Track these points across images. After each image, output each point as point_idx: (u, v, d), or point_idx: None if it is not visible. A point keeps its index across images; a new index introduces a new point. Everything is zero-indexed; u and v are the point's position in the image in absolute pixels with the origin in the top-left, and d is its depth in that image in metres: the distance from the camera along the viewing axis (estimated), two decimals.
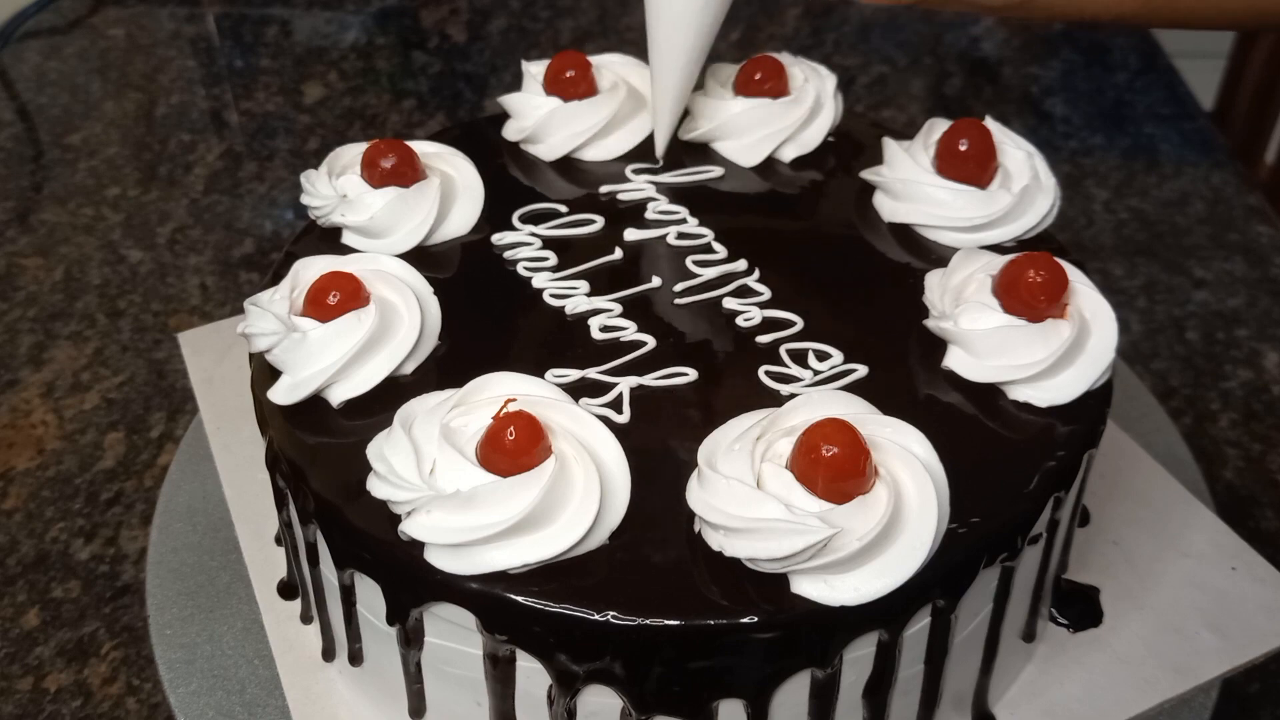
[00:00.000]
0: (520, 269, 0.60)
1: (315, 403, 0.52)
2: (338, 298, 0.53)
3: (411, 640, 0.49)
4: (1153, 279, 0.90)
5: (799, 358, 0.55)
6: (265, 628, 0.58)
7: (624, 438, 0.48)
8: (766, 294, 0.58)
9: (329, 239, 0.61)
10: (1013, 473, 0.50)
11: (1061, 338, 0.52)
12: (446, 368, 0.54)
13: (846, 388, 0.53)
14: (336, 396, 0.52)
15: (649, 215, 0.64)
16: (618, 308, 0.58)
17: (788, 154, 0.67)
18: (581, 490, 0.46)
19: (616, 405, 0.52)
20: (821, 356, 0.55)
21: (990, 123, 0.62)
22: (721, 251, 0.61)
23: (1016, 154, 0.61)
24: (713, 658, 0.45)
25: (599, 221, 0.63)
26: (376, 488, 0.47)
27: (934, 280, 0.57)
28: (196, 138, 1.07)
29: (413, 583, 0.47)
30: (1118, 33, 1.13)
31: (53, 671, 0.64)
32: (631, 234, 0.62)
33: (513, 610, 0.45)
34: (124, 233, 0.96)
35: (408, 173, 0.60)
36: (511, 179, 0.67)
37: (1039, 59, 1.15)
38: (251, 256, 0.93)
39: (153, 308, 0.89)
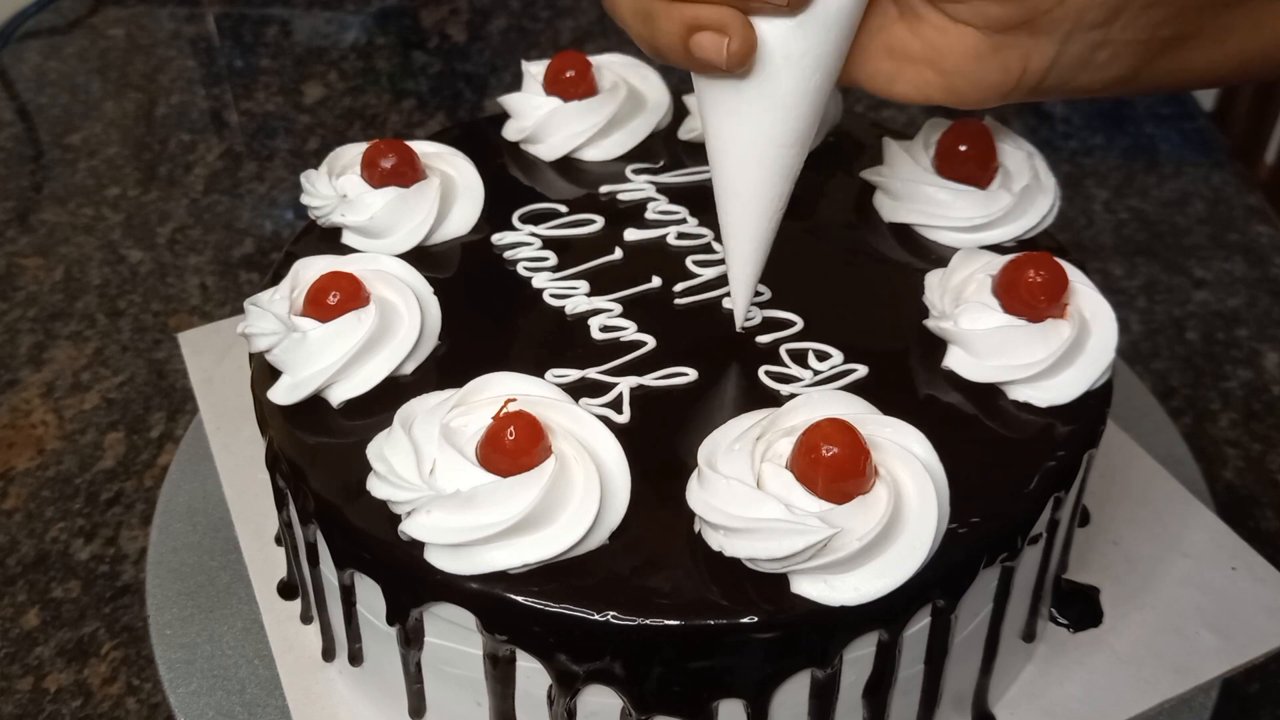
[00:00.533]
0: (520, 269, 0.60)
1: (315, 403, 0.52)
2: (338, 298, 0.53)
3: (411, 640, 0.49)
4: (1153, 279, 0.90)
5: (799, 358, 0.55)
6: (265, 628, 0.58)
7: (624, 438, 0.48)
8: (766, 294, 0.58)
9: (329, 239, 0.61)
10: (1013, 473, 0.50)
11: (1061, 338, 0.52)
12: (446, 368, 0.54)
13: (846, 388, 0.53)
14: (336, 396, 0.52)
15: (649, 215, 0.64)
16: (618, 308, 0.58)
17: None
18: (581, 490, 0.46)
19: (616, 405, 0.52)
20: (821, 356, 0.55)
21: (990, 123, 0.62)
22: (722, 251, 0.61)
23: (1016, 154, 0.61)
24: (713, 658, 0.45)
25: (599, 221, 0.63)
26: (376, 488, 0.47)
27: (934, 280, 0.57)
28: (196, 138, 1.07)
29: (413, 583, 0.47)
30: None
31: (53, 671, 0.64)
32: (631, 234, 0.62)
33: (513, 610, 0.45)
34: (124, 233, 0.96)
35: (408, 173, 0.60)
36: (511, 179, 0.67)
37: None
38: (251, 256, 0.93)
39: (153, 308, 0.89)
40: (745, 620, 0.44)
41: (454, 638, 0.48)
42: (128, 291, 0.90)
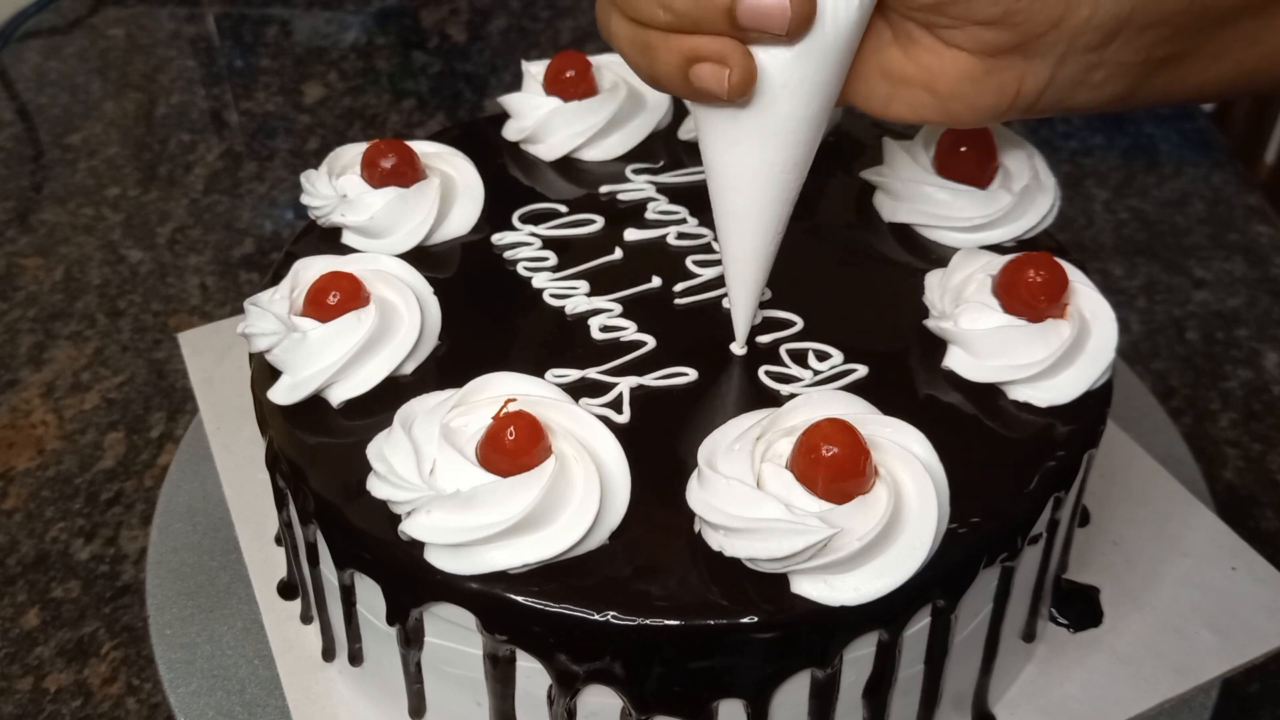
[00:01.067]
0: (520, 269, 0.60)
1: (315, 403, 0.52)
2: (338, 298, 0.53)
3: (411, 640, 0.49)
4: (1153, 279, 0.90)
5: (799, 358, 0.55)
6: (265, 628, 0.58)
7: (624, 438, 0.48)
8: (766, 294, 0.58)
9: (329, 239, 0.61)
10: (1013, 473, 0.50)
11: (1061, 338, 0.52)
12: (446, 368, 0.54)
13: (846, 388, 0.53)
14: (336, 396, 0.52)
15: (649, 215, 0.64)
16: (618, 308, 0.58)
17: None
18: (581, 490, 0.46)
19: (616, 405, 0.52)
20: (821, 356, 0.55)
21: None
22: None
23: (1016, 154, 0.61)
24: (713, 658, 0.45)
25: (599, 221, 0.63)
26: (376, 488, 0.47)
27: (934, 280, 0.57)
28: (196, 138, 1.07)
29: (413, 583, 0.47)
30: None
31: (53, 671, 0.64)
32: (631, 234, 0.62)
33: (513, 610, 0.45)
34: (124, 233, 0.96)
35: (408, 173, 0.60)
36: (511, 179, 0.67)
37: None
38: (251, 256, 0.93)
39: (153, 308, 0.89)
40: (745, 620, 0.44)
41: (454, 638, 0.48)
42: (128, 291, 0.90)
